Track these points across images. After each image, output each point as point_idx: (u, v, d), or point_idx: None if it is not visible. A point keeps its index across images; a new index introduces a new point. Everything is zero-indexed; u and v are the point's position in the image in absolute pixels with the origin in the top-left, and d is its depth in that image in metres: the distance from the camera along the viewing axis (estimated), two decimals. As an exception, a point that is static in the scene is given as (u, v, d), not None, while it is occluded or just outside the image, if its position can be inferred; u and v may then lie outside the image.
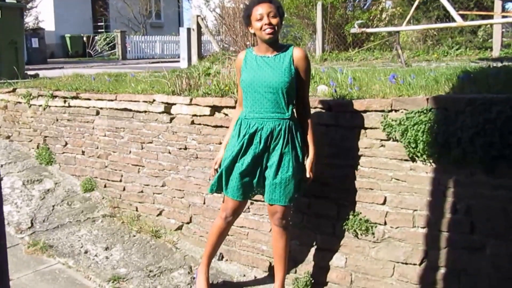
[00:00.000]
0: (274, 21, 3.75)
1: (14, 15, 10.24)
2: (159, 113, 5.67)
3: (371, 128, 4.11)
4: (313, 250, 4.49)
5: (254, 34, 3.91)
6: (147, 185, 5.86)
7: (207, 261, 4.35)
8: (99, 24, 29.87)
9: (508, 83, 4.04)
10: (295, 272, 4.55)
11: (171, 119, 5.58)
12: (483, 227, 3.62)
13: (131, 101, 5.99)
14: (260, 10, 3.75)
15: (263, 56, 3.88)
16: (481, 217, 3.62)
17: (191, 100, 5.38)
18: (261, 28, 3.75)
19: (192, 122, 5.37)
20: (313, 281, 4.40)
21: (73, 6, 27.32)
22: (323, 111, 4.37)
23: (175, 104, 5.54)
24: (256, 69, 3.85)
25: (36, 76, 10.44)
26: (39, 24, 25.17)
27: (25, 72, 10.61)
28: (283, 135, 3.83)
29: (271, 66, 3.83)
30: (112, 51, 26.53)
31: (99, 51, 26.96)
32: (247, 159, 3.89)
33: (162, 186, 5.71)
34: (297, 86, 3.89)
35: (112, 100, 6.22)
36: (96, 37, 27.52)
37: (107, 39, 27.16)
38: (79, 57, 26.21)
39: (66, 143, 6.88)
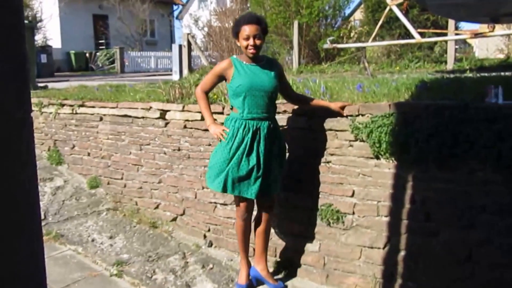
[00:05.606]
0: (258, 42, 3.85)
1: (26, 34, 10.18)
2: (155, 118, 5.71)
3: (341, 131, 4.17)
4: (291, 237, 4.55)
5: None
6: (145, 182, 5.90)
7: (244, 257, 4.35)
8: (100, 41, 29.64)
9: (458, 91, 4.14)
10: (275, 256, 4.62)
11: (166, 124, 5.62)
12: (436, 215, 3.70)
13: (130, 108, 6.02)
14: (248, 31, 3.80)
15: (252, 65, 3.94)
16: (435, 207, 3.71)
17: (183, 107, 5.43)
18: (246, 47, 3.84)
19: (185, 127, 5.42)
20: (291, 264, 4.48)
21: (77, 25, 27.13)
22: (299, 116, 4.43)
23: (169, 110, 5.59)
24: (251, 76, 3.88)
25: (45, 87, 10.39)
26: (47, 42, 24.97)
27: (36, 84, 10.60)
28: (273, 132, 3.96)
29: (263, 73, 3.93)
30: (112, 65, 26.32)
31: (100, 65, 26.80)
32: (252, 157, 3.87)
33: (159, 183, 5.75)
34: (285, 87, 4.15)
35: (113, 108, 6.25)
36: (97, 53, 27.36)
37: (107, 55, 26.98)
38: (82, 71, 26.01)
39: (74, 146, 6.90)
